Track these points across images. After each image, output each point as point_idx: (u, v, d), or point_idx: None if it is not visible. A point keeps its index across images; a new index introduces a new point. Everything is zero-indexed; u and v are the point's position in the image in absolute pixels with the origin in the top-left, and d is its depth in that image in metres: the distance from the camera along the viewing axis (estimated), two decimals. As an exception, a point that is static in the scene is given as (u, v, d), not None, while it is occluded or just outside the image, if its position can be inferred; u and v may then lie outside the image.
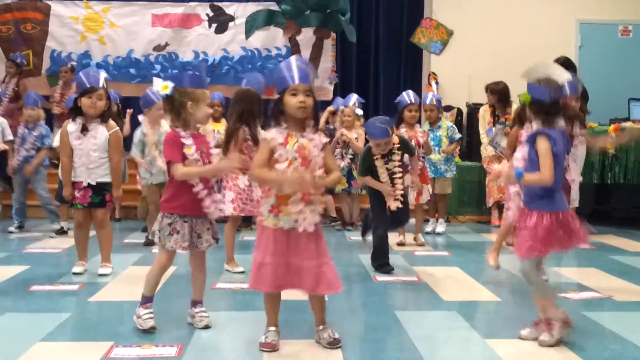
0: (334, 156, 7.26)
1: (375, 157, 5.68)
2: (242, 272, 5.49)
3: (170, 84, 3.80)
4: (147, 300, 3.98)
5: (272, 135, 3.53)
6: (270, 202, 3.55)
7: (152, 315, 3.94)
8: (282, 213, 3.52)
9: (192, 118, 3.84)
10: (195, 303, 4.07)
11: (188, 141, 3.81)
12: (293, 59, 3.62)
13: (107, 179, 5.38)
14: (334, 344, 3.64)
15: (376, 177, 5.70)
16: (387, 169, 5.67)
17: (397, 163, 5.68)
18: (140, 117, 6.71)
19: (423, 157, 7.08)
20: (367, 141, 6.02)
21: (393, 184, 5.67)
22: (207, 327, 3.97)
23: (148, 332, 3.86)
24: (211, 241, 4.01)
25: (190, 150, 3.80)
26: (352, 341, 3.74)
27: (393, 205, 5.64)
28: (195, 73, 3.92)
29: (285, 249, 3.52)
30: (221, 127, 7.50)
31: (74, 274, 5.44)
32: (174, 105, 3.83)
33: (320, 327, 3.72)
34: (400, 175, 5.69)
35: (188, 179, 3.82)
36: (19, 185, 7.92)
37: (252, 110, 5.40)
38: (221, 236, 4.28)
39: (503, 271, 5.58)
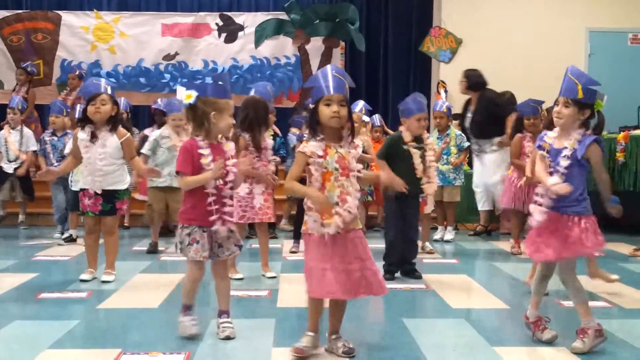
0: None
1: (408, 144, 5.60)
2: (241, 279, 5.53)
3: (194, 93, 3.79)
4: (186, 308, 3.99)
5: (311, 148, 3.52)
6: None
7: (195, 322, 3.95)
8: (326, 220, 3.52)
9: (215, 128, 3.83)
10: (220, 313, 4.02)
11: (205, 151, 3.81)
12: (329, 68, 3.61)
13: (118, 187, 5.39)
14: (349, 353, 3.61)
15: (406, 164, 5.55)
16: (421, 159, 5.61)
17: (431, 155, 5.68)
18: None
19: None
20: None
21: (428, 174, 5.65)
22: (228, 337, 3.90)
23: (190, 339, 3.88)
24: (233, 249, 3.98)
25: (207, 160, 3.79)
26: (360, 348, 3.72)
27: (429, 189, 5.65)
28: (219, 83, 3.91)
29: (333, 253, 3.51)
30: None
31: (81, 281, 5.45)
32: (197, 115, 3.82)
33: (334, 337, 3.69)
34: (434, 166, 5.75)
35: (187, 188, 3.85)
36: (59, 193, 7.84)
37: (257, 118, 5.43)
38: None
39: (511, 278, 5.56)
